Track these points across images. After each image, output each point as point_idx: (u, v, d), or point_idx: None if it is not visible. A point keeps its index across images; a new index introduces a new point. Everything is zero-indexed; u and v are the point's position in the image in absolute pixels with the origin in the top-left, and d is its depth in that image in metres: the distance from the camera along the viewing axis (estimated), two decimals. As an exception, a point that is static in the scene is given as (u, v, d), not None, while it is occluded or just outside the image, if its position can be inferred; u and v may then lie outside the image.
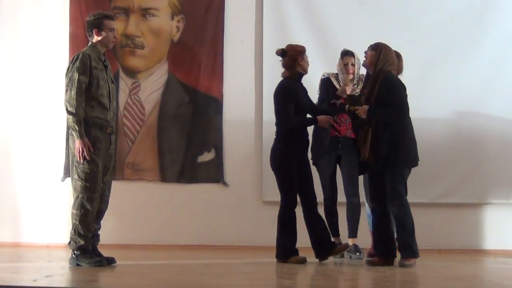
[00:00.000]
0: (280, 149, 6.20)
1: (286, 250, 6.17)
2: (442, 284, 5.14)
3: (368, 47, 6.13)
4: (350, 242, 6.40)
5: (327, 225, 6.24)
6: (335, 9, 8.00)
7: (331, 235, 6.32)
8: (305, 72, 6.27)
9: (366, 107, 5.92)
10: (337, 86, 6.45)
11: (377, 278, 5.61)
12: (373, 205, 6.09)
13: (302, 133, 6.24)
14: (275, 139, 6.27)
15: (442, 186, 7.68)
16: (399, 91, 5.95)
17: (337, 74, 6.57)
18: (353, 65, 6.51)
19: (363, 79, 6.44)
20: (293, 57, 6.22)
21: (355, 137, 6.33)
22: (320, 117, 6.19)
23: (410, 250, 5.98)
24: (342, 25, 7.92)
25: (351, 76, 6.50)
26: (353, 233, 6.41)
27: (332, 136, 6.50)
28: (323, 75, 6.64)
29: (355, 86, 6.44)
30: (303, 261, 6.11)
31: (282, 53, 6.28)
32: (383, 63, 5.98)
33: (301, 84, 6.30)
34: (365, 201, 6.57)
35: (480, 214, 7.81)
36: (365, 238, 6.64)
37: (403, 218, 5.96)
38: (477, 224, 7.79)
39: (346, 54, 6.60)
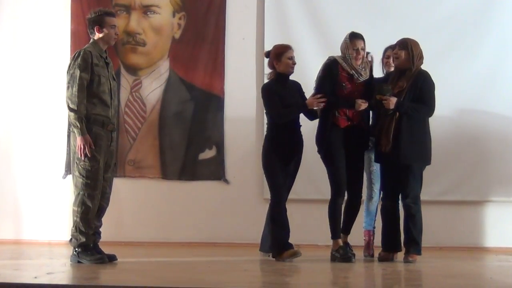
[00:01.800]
0: (266, 148, 6.33)
1: (279, 245, 6.18)
2: (443, 281, 5.14)
3: (395, 47, 6.20)
4: (341, 242, 6.31)
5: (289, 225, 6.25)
6: (337, 6, 7.98)
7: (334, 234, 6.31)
8: (286, 73, 6.31)
9: (394, 99, 6.02)
10: (347, 69, 6.20)
11: (378, 275, 5.62)
12: (388, 200, 6.19)
13: (290, 133, 6.29)
14: (264, 138, 6.43)
15: (443, 184, 7.67)
16: (434, 91, 6.18)
17: (344, 57, 6.25)
18: (363, 49, 6.23)
19: (370, 60, 6.35)
20: (271, 61, 6.38)
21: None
22: (308, 100, 6.26)
23: (417, 247, 6.17)
24: (344, 22, 7.86)
25: (360, 61, 6.23)
26: (348, 230, 6.37)
27: (344, 126, 6.20)
28: (328, 58, 6.35)
29: (363, 69, 6.23)
30: (297, 254, 6.12)
31: (266, 54, 6.50)
32: (417, 59, 6.16)
33: (287, 83, 6.33)
34: (366, 198, 6.58)
35: (481, 211, 7.80)
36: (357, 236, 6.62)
37: (415, 214, 6.15)
38: (478, 222, 7.79)
39: (356, 37, 6.22)
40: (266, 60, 7.85)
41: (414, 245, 6.15)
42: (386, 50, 6.65)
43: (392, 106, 6.02)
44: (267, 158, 6.31)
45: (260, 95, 7.82)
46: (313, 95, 6.27)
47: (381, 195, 6.47)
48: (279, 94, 6.27)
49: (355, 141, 6.24)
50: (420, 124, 6.14)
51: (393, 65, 6.52)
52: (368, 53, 6.39)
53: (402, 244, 6.24)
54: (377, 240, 6.50)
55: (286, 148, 6.28)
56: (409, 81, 6.12)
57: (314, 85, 6.35)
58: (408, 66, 6.16)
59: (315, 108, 6.25)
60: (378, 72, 6.66)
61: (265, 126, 7.44)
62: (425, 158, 6.17)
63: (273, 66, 6.38)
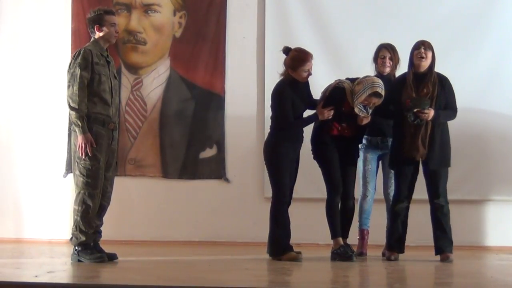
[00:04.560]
0: (273, 144, 6.21)
1: (280, 246, 6.15)
2: (444, 280, 5.15)
3: (422, 46, 6.12)
4: (342, 241, 6.29)
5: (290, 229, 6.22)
6: (337, 5, 7.98)
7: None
8: (300, 80, 6.18)
9: (432, 111, 6.02)
10: (350, 102, 6.17)
11: (378, 274, 5.62)
12: (407, 202, 6.21)
13: (297, 130, 6.26)
14: (270, 133, 6.30)
15: (444, 183, 7.67)
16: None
17: (352, 86, 6.19)
18: (375, 104, 6.13)
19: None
20: (286, 65, 6.20)
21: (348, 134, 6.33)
22: (320, 111, 6.17)
23: (451, 246, 6.21)
24: (344, 21, 7.90)
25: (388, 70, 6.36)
26: (346, 233, 6.38)
27: (335, 134, 6.27)
28: (339, 84, 6.27)
29: (366, 108, 6.17)
30: (298, 257, 6.08)
31: (285, 51, 6.25)
32: (435, 63, 6.18)
33: (300, 86, 6.22)
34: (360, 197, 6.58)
35: (482, 210, 7.80)
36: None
37: (447, 213, 6.24)
38: (479, 221, 7.78)
39: (376, 97, 6.09)
40: (267, 58, 7.92)
41: (449, 244, 6.17)
42: (380, 48, 6.56)
43: (430, 118, 6.04)
44: (274, 154, 6.19)
45: (260, 93, 7.83)
46: (322, 106, 6.21)
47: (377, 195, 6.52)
48: (292, 98, 6.16)
49: (345, 148, 6.28)
50: (445, 127, 6.22)
51: (388, 65, 6.50)
52: None
53: (434, 243, 6.22)
54: (371, 239, 6.59)
55: (295, 143, 6.23)
56: (434, 87, 6.10)
57: (319, 99, 6.32)
58: (429, 70, 6.13)
59: (325, 119, 6.19)
60: (368, 71, 6.63)
61: (266, 124, 7.47)
62: (449, 160, 6.25)
63: (287, 69, 6.20)
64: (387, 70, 6.52)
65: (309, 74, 6.18)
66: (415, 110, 6.01)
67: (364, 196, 6.54)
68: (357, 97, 6.12)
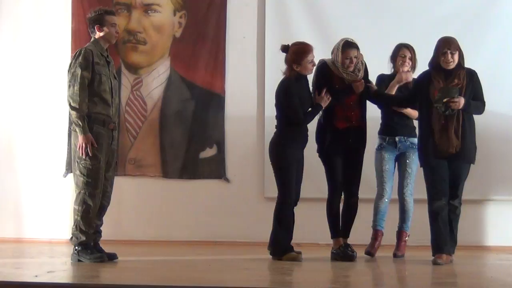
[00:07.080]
0: (280, 143, 6.19)
1: (281, 247, 6.15)
2: (444, 280, 5.15)
3: (448, 50, 6.01)
4: (342, 241, 6.30)
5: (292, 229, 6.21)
6: (337, 4, 7.98)
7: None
8: (305, 73, 6.22)
9: (463, 99, 5.92)
10: (337, 73, 6.19)
11: (378, 274, 5.62)
12: (444, 200, 6.04)
13: (302, 128, 6.25)
14: (276, 133, 6.28)
15: (444, 183, 7.66)
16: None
17: (334, 60, 6.23)
18: (356, 57, 6.16)
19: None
20: (289, 61, 6.21)
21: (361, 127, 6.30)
22: (319, 99, 6.20)
23: (454, 247, 6.13)
24: (344, 20, 7.89)
25: (352, 68, 6.19)
26: (346, 233, 6.37)
27: (342, 128, 6.23)
28: (319, 61, 6.34)
29: (355, 72, 6.18)
30: (298, 258, 6.08)
31: (283, 49, 6.27)
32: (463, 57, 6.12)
33: (303, 82, 6.25)
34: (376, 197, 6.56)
35: (482, 210, 7.80)
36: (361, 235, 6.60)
37: (459, 215, 6.13)
38: (479, 221, 7.78)
39: (349, 47, 6.16)
40: (267, 58, 7.91)
41: (453, 245, 6.11)
42: (400, 47, 6.58)
43: (461, 107, 5.93)
44: (281, 155, 6.16)
45: (260, 93, 7.84)
46: (318, 94, 6.24)
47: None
48: (299, 95, 6.17)
49: (353, 141, 6.25)
50: (473, 122, 6.13)
51: (408, 65, 6.49)
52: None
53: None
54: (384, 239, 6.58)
55: (300, 143, 6.23)
56: (464, 79, 6.03)
57: (312, 89, 6.34)
58: (458, 65, 6.06)
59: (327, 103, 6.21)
60: (383, 68, 6.64)
61: (266, 124, 7.49)
62: (474, 157, 6.19)
63: (291, 65, 6.20)
64: (405, 69, 6.51)
65: (314, 64, 6.22)
66: (444, 100, 5.91)
67: (380, 196, 6.48)
68: (337, 60, 6.17)
